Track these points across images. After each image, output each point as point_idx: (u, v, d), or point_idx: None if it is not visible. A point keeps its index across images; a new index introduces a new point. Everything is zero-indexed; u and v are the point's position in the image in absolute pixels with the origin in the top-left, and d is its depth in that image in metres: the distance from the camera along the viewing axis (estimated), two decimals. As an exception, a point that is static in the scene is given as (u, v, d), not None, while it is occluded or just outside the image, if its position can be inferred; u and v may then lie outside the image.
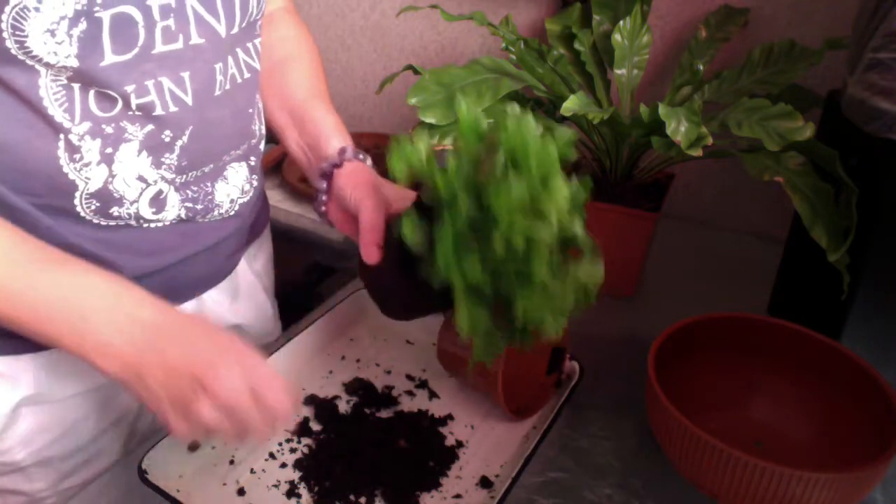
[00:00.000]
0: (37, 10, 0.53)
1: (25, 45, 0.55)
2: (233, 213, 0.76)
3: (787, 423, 0.73)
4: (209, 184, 0.72)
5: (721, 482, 0.60)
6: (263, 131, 0.79)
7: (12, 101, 0.58)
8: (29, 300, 0.56)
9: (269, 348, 0.82)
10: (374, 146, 1.41)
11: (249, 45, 0.71)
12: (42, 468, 0.72)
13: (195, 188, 0.71)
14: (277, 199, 1.27)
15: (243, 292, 0.86)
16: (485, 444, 0.73)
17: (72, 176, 0.62)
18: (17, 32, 0.54)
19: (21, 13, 0.53)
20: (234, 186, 0.75)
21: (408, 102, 0.78)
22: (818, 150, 0.73)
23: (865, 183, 0.69)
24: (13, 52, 0.55)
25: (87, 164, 0.62)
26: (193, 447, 0.71)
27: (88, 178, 0.63)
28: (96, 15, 0.56)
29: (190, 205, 0.71)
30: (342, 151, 0.74)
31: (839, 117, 0.74)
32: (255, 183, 0.78)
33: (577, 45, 0.99)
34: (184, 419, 0.56)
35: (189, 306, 0.78)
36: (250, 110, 0.74)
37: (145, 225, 0.68)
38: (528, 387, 0.76)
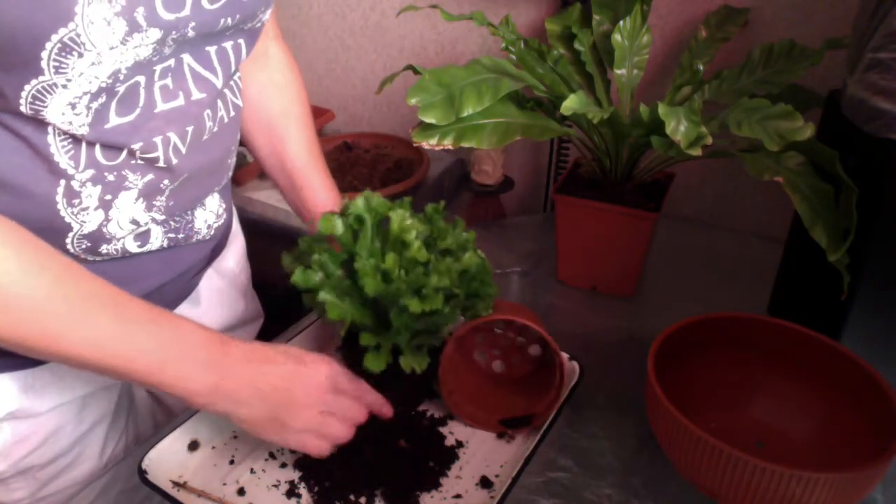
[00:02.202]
0: (65, 87, 0.54)
1: (41, 113, 0.55)
2: (209, 237, 0.78)
3: (787, 423, 0.73)
4: (190, 213, 0.73)
5: (721, 482, 0.60)
6: (234, 161, 0.80)
7: (16, 143, 0.58)
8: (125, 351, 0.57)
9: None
10: (374, 146, 1.41)
11: (232, 83, 0.72)
12: (22, 478, 0.72)
13: (178, 218, 0.72)
14: (277, 199, 1.27)
15: (209, 299, 0.87)
16: (485, 444, 0.73)
17: (68, 219, 0.62)
18: (37, 102, 0.54)
19: (48, 89, 0.53)
20: (211, 212, 0.76)
21: (408, 102, 0.78)
22: (818, 150, 0.72)
23: (865, 183, 0.69)
24: (26, 114, 0.55)
25: (84, 209, 0.62)
26: (193, 447, 0.71)
27: (84, 222, 0.63)
28: (115, 89, 0.57)
29: (172, 235, 0.72)
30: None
31: (839, 117, 0.74)
32: (225, 205, 0.80)
33: (577, 45, 0.99)
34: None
35: None
36: (232, 148, 0.76)
37: (128, 256, 0.69)
38: (516, 402, 0.76)
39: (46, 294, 0.54)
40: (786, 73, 0.95)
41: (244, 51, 0.69)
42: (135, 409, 0.85)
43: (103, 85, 0.55)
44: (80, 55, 0.52)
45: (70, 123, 0.56)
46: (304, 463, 0.70)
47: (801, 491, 0.57)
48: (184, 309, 0.82)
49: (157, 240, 0.70)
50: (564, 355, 0.75)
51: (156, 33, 0.55)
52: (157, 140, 0.63)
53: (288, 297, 1.02)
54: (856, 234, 0.69)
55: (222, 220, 0.79)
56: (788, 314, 0.77)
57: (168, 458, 0.68)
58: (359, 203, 0.71)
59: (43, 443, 0.72)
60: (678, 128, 0.71)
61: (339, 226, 0.71)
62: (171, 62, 0.61)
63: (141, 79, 0.59)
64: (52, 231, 0.62)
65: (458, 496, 0.67)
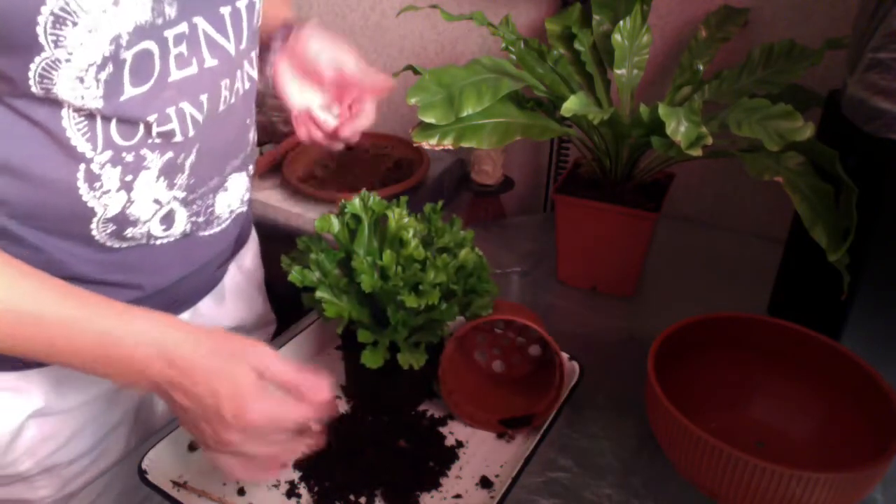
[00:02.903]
0: (68, 61, 0.53)
1: (52, 91, 0.55)
2: (229, 223, 0.77)
3: (787, 423, 0.73)
4: (211, 196, 0.73)
5: (721, 482, 0.60)
6: (256, 137, 0.80)
7: (33, 131, 0.58)
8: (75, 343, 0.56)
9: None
10: (374, 146, 1.41)
11: (252, 54, 0.72)
12: (47, 476, 0.72)
13: (200, 202, 0.71)
14: (277, 199, 1.27)
15: (232, 294, 0.87)
16: (485, 444, 0.73)
17: (91, 203, 0.62)
18: (45, 81, 0.54)
19: (52, 65, 0.53)
20: (235, 196, 0.76)
21: (408, 102, 0.78)
22: (818, 150, 0.72)
23: (865, 183, 0.69)
24: (38, 95, 0.55)
25: (106, 192, 0.62)
26: (193, 447, 0.71)
27: (107, 205, 0.63)
28: (121, 57, 0.56)
29: (194, 218, 0.72)
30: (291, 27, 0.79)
31: (839, 117, 0.74)
32: (248, 194, 0.80)
33: (577, 45, 0.99)
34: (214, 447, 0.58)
35: (184, 316, 0.79)
36: (248, 121, 0.75)
37: (153, 242, 0.69)
38: (516, 402, 0.76)
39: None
40: (786, 73, 0.95)
41: (257, 7, 0.69)
42: (159, 406, 0.85)
43: (107, 54, 0.55)
44: (75, 24, 0.52)
45: (82, 98, 0.56)
46: (304, 463, 0.70)
47: (801, 491, 0.57)
48: (207, 304, 0.82)
49: (182, 223, 0.70)
50: (564, 355, 0.75)
51: None
52: (171, 111, 0.62)
53: (290, 298, 1.02)
54: (856, 234, 0.69)
55: (245, 208, 0.79)
56: (788, 314, 0.77)
57: (168, 458, 0.68)
58: (355, 202, 0.72)
59: (68, 441, 0.72)
60: (678, 128, 0.71)
61: (335, 224, 0.72)
62: (185, 28, 0.60)
63: (153, 47, 0.58)
64: (75, 217, 0.62)
65: (458, 496, 0.67)
